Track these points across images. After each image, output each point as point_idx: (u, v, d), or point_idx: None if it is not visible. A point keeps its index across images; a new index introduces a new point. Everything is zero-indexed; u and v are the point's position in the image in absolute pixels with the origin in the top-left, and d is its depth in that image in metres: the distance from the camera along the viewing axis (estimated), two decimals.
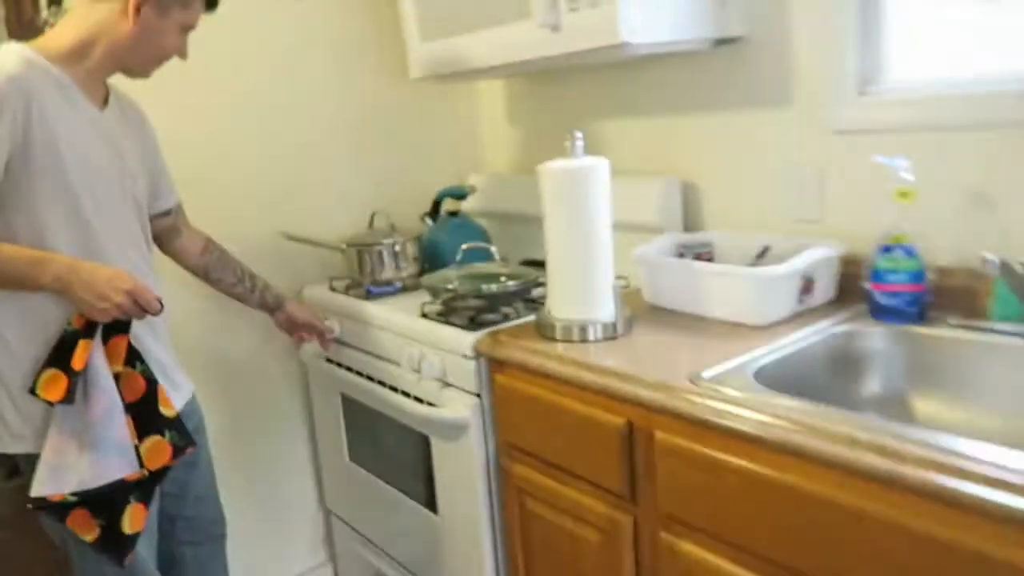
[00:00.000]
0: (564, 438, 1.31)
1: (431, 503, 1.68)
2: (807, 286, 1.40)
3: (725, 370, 1.17)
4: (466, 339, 1.48)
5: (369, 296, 1.88)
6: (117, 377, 1.34)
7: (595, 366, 1.25)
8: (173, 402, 1.46)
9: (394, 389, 1.71)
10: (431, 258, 2.02)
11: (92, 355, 1.30)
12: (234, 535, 1.79)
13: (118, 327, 1.33)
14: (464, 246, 1.66)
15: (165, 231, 1.62)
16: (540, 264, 1.98)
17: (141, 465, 1.35)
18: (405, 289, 1.92)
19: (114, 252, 1.37)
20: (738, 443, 1.04)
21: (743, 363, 1.19)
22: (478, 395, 1.50)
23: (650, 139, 1.85)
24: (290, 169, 2.05)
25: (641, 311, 1.50)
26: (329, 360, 1.94)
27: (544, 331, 1.42)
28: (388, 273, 1.93)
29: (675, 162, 1.80)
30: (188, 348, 1.91)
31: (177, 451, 1.41)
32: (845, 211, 1.51)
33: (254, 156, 1.99)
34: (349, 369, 1.87)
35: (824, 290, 1.44)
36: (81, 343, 1.29)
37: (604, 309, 1.38)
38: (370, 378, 1.80)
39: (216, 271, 1.70)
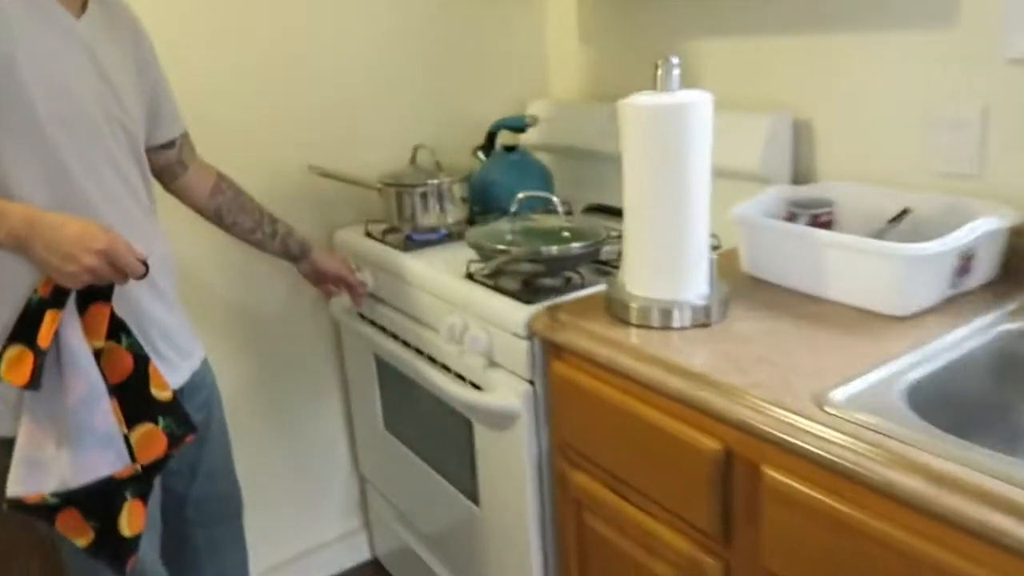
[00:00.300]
0: (637, 452, 1.04)
1: (472, 493, 1.44)
2: (964, 265, 1.07)
3: (864, 389, 0.86)
4: (518, 314, 1.20)
5: (409, 245, 1.61)
6: (99, 354, 1.10)
7: (682, 368, 0.96)
8: (175, 375, 1.24)
9: (433, 360, 1.46)
10: (483, 200, 1.73)
11: (64, 329, 1.06)
12: (262, 498, 1.61)
13: (97, 293, 1.09)
14: (520, 195, 1.36)
15: (168, 167, 1.36)
16: (611, 211, 1.69)
17: (133, 458, 1.13)
18: (451, 237, 1.64)
19: (99, 197, 1.12)
20: (889, 505, 0.75)
21: (887, 377, 0.89)
22: (531, 382, 1.23)
23: (754, 64, 1.50)
24: (322, 94, 1.76)
25: (738, 285, 1.19)
26: (362, 317, 1.69)
27: (616, 309, 1.13)
28: (431, 218, 1.65)
29: (785, 94, 1.45)
30: (205, 297, 1.69)
31: (174, 440, 1.17)
32: (1016, 167, 1.16)
33: (280, 78, 1.70)
34: (384, 330, 1.62)
35: (984, 269, 1.11)
36: (48, 315, 1.05)
37: (695, 287, 1.08)
38: (407, 344, 1.54)
39: (230, 214, 1.45)
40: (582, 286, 1.28)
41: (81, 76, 1.10)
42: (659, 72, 1.05)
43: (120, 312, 1.13)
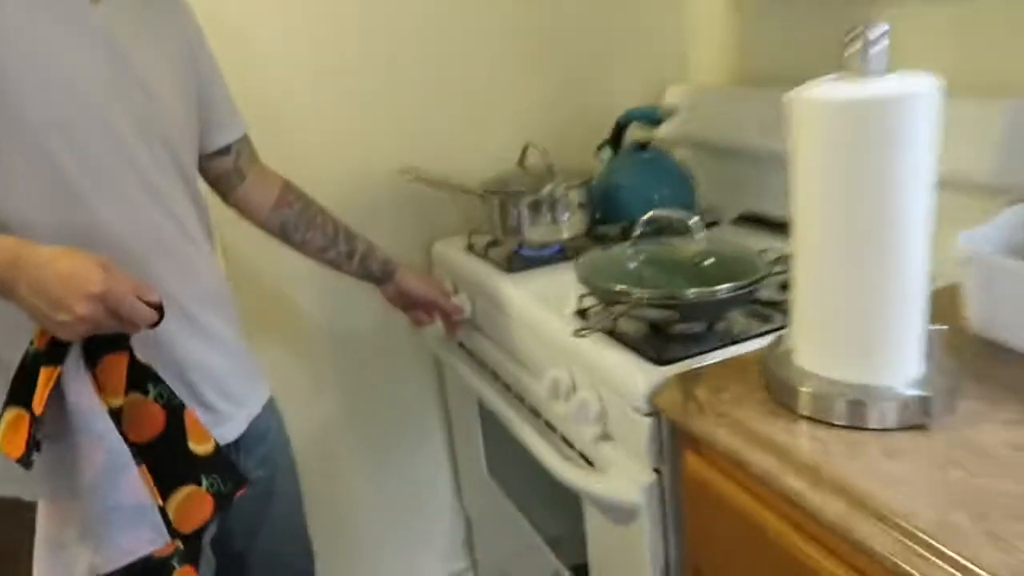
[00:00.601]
0: None
1: None
2: None
3: None
4: (639, 380, 0.89)
5: (514, 264, 1.32)
6: (118, 413, 0.89)
7: (886, 511, 0.61)
8: (228, 427, 1.04)
9: (536, 413, 1.17)
10: (608, 208, 1.43)
11: (69, 389, 0.85)
12: (361, 535, 1.54)
13: (109, 341, 0.87)
14: (648, 215, 1.04)
15: (224, 176, 1.15)
16: (769, 224, 1.34)
17: (172, 533, 0.91)
18: (566, 254, 1.35)
19: (123, 223, 0.92)
20: None
21: None
22: (657, 471, 0.91)
23: (981, 33, 1.10)
24: (417, 85, 1.49)
25: (967, 356, 0.82)
26: (462, 346, 1.43)
27: (778, 389, 0.79)
28: (541, 232, 1.36)
29: None
30: (287, 319, 1.49)
31: (222, 499, 0.96)
32: None
33: (367, 68, 1.45)
34: (483, 366, 1.35)
35: None
36: (43, 373, 0.84)
37: (904, 367, 0.73)
38: (507, 387, 1.26)
39: (298, 231, 1.22)
40: (730, 340, 0.94)
41: (99, 73, 0.89)
42: (853, 47, 0.70)
43: (154, 358, 0.92)
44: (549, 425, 1.13)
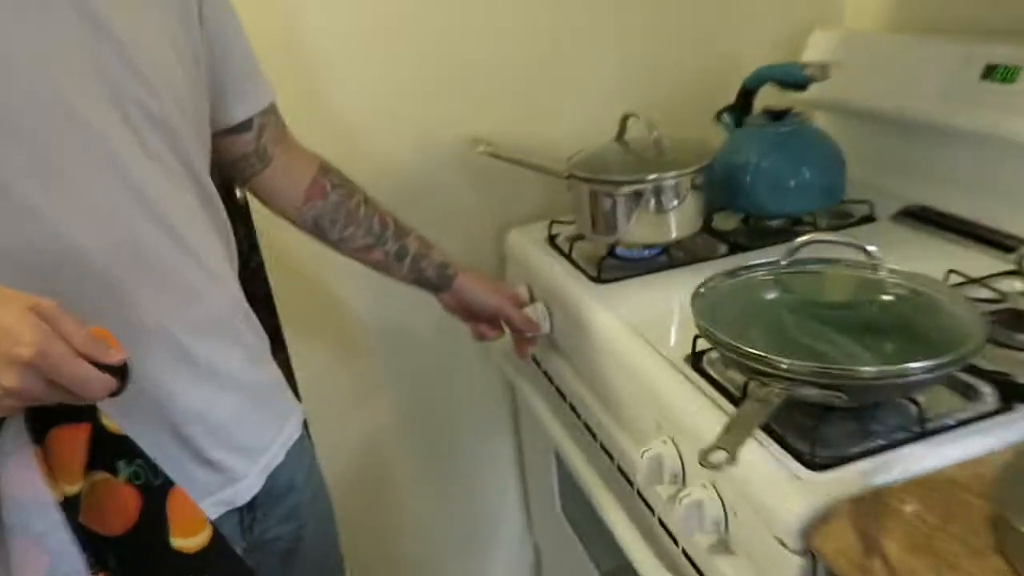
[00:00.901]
0: None
1: None
2: None
3: None
4: (789, 503, 0.60)
5: (606, 269, 1.05)
6: (74, 501, 0.67)
7: None
8: (238, 488, 0.82)
9: (627, 477, 0.90)
10: (730, 193, 1.14)
11: (4, 475, 0.65)
12: (416, 563, 1.38)
13: (63, 412, 0.65)
14: (802, 240, 0.73)
15: (243, 159, 0.91)
16: (949, 226, 1.01)
17: None
18: (672, 257, 1.06)
19: (92, 239, 0.68)
20: None
21: None
22: None
23: None
24: (490, 36, 1.19)
25: None
26: (536, 363, 1.17)
27: (1018, 550, 0.50)
28: (643, 230, 1.06)
29: None
30: (341, 315, 1.27)
31: None
32: None
33: (430, 15, 1.16)
34: (560, 396, 1.09)
35: None
36: None
37: None
38: (589, 429, 1.00)
39: (336, 226, 0.98)
40: (921, 431, 0.64)
41: (57, 45, 0.65)
42: None
43: (136, 410, 0.69)
44: (642, 497, 0.86)
